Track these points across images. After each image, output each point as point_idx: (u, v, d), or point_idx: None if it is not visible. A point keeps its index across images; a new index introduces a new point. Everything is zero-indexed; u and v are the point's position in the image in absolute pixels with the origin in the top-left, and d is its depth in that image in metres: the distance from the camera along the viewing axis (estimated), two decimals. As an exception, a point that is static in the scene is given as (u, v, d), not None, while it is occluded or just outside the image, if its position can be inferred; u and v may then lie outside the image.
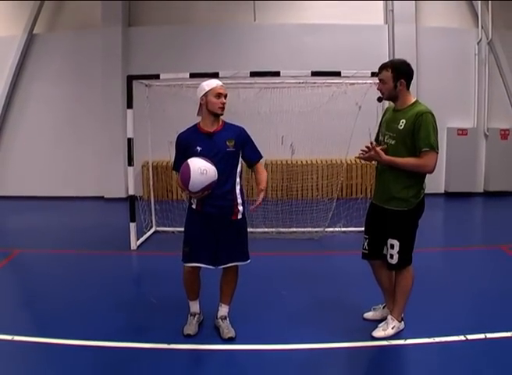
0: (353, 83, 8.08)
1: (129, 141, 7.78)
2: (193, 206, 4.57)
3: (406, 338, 4.60)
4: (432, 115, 4.29)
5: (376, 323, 4.81)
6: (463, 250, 7.63)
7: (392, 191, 4.43)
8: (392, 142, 4.40)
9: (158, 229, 8.70)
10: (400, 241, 4.46)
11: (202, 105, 4.49)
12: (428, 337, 4.61)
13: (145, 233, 8.42)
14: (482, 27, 11.97)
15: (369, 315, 5.04)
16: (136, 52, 12.07)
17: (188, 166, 4.19)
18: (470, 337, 4.58)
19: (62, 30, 12.38)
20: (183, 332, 4.70)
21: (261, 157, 4.71)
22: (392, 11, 11.95)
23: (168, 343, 4.55)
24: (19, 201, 11.86)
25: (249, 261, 4.68)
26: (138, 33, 12.18)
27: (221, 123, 4.56)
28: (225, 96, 4.50)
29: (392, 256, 4.51)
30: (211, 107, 4.44)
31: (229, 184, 4.48)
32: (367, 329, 4.76)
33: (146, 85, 8.33)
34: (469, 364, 4.22)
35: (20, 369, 4.24)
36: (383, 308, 4.98)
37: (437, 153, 4.29)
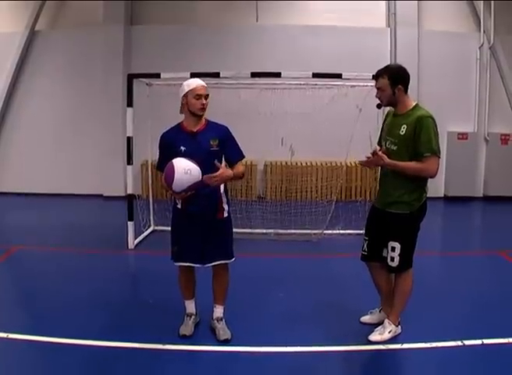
0: (354, 86, 8.06)
1: (129, 139, 7.76)
2: (179, 206, 4.57)
3: (402, 343, 4.59)
4: (433, 119, 4.28)
5: (373, 326, 4.80)
6: (461, 255, 7.61)
7: (394, 195, 4.43)
8: (394, 148, 4.39)
9: (157, 228, 8.67)
10: (402, 244, 4.45)
11: (183, 104, 4.46)
12: (425, 341, 4.59)
13: (143, 232, 8.41)
14: (484, 32, 11.97)
15: (366, 318, 5.02)
16: (138, 51, 12.06)
17: (172, 165, 4.16)
18: (467, 342, 4.56)
19: (64, 27, 12.38)
20: (179, 332, 4.69)
21: (242, 157, 4.64)
22: (395, 14, 11.94)
23: (164, 343, 4.53)
24: (18, 198, 11.85)
25: (234, 259, 4.67)
26: (140, 32, 12.17)
27: (204, 121, 4.53)
28: (206, 97, 4.44)
29: (393, 259, 4.50)
30: (191, 108, 4.41)
31: None
32: (363, 332, 4.74)
33: (146, 84, 8.33)
34: (466, 370, 4.21)
35: (13, 367, 4.22)
36: (380, 311, 4.97)
37: (439, 158, 4.29)
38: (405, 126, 4.29)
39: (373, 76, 7.29)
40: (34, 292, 6.01)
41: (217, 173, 4.21)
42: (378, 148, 4.45)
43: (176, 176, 4.12)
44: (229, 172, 4.36)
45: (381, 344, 4.56)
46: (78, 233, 8.82)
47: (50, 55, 12.27)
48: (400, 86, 4.35)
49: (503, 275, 6.67)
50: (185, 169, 4.13)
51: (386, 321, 4.67)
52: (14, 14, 12.17)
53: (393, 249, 4.47)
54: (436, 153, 4.25)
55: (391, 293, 4.73)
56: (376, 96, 4.53)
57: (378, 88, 4.46)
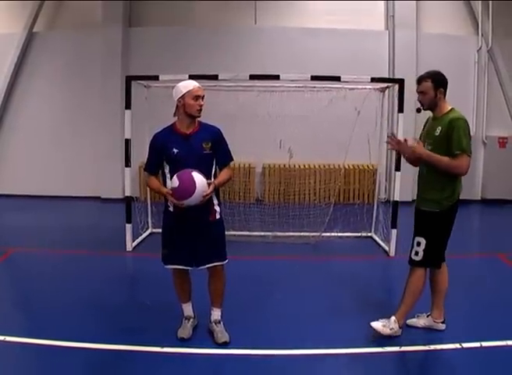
0: (352, 89, 8.08)
1: (127, 141, 7.75)
2: (170, 209, 4.55)
3: (401, 345, 4.57)
4: (465, 121, 4.46)
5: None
6: (459, 258, 7.58)
7: (427, 193, 4.62)
8: (430, 148, 4.56)
9: (154, 230, 8.63)
10: (427, 240, 4.55)
11: (179, 106, 4.44)
12: (424, 344, 4.59)
13: (141, 234, 8.40)
14: (482, 35, 12.00)
15: (413, 321, 4.98)
16: (136, 53, 12.06)
17: (194, 182, 4.17)
18: (465, 345, 4.56)
19: (62, 28, 12.39)
20: (177, 335, 4.67)
21: (231, 160, 4.66)
22: (393, 17, 11.97)
23: (162, 346, 4.52)
24: (16, 200, 11.82)
25: (227, 261, 4.66)
26: (138, 34, 12.17)
27: (197, 123, 4.52)
28: (203, 97, 4.45)
29: (417, 253, 4.60)
30: (188, 109, 4.39)
31: None
32: (361, 335, 4.74)
33: (145, 86, 8.31)
34: (464, 372, 4.22)
35: (10, 371, 4.20)
36: (427, 316, 4.95)
37: (469, 156, 4.44)
38: (440, 127, 4.50)
39: (372, 78, 7.41)
40: (32, 294, 6.01)
41: (207, 192, 4.26)
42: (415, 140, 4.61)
43: (195, 195, 4.18)
44: (216, 182, 4.43)
45: (379, 346, 4.55)
46: (76, 235, 8.80)
47: (48, 56, 12.26)
48: (441, 89, 4.54)
49: (501, 278, 6.67)
50: (203, 190, 4.19)
51: (393, 318, 4.66)
52: (12, 15, 12.16)
53: (419, 244, 4.60)
54: (466, 152, 4.40)
55: (435, 293, 4.82)
56: (418, 100, 4.70)
57: (420, 92, 4.63)
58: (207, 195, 4.26)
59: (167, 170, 4.49)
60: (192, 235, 4.51)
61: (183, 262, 4.58)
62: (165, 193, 4.36)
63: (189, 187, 4.17)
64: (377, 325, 4.63)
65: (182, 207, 4.29)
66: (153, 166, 4.57)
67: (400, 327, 4.67)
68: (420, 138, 4.82)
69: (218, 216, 4.61)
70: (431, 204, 4.56)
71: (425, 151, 4.51)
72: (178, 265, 4.61)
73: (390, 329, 4.62)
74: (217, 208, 4.60)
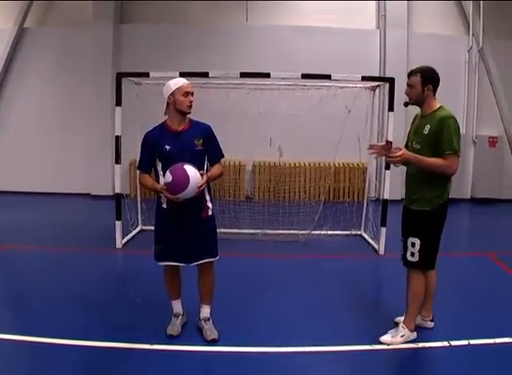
0: (343, 87, 8.10)
1: (117, 138, 7.72)
2: (164, 205, 4.56)
3: (389, 343, 4.58)
4: (455, 120, 4.41)
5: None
6: (449, 256, 7.61)
7: (417, 192, 4.55)
8: (418, 146, 4.51)
9: (144, 228, 8.61)
10: (422, 240, 4.52)
11: (170, 104, 4.47)
12: (412, 342, 4.61)
13: (131, 231, 8.38)
14: (473, 35, 12.05)
15: (401, 319, 4.89)
16: (127, 50, 12.02)
17: (187, 175, 4.18)
18: (453, 343, 4.59)
19: (53, 24, 12.30)
20: (166, 332, 4.67)
21: (222, 156, 4.70)
22: (385, 16, 11.99)
23: (151, 343, 4.51)
24: (5, 196, 11.74)
25: (218, 257, 4.68)
26: (129, 31, 12.12)
27: (188, 121, 4.55)
28: (193, 94, 4.48)
29: (413, 254, 4.55)
30: (179, 106, 4.42)
31: None
32: (351, 333, 4.76)
33: (135, 83, 8.30)
34: (452, 370, 4.23)
35: (1, 368, 4.18)
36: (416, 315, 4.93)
37: (459, 156, 4.39)
38: (429, 125, 4.43)
39: (362, 77, 7.43)
40: (21, 292, 5.98)
41: (203, 182, 4.28)
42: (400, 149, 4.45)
43: (189, 187, 4.18)
44: (209, 175, 4.47)
45: (368, 344, 4.56)
46: (65, 232, 8.76)
47: (39, 52, 12.19)
48: (429, 85, 4.48)
49: (489, 276, 6.71)
50: (197, 182, 4.20)
51: (401, 325, 4.66)
52: (2, 10, 12.07)
53: (413, 245, 4.55)
54: (457, 152, 4.35)
55: (425, 294, 4.76)
56: (406, 93, 4.65)
57: (408, 85, 4.58)
58: (201, 186, 4.27)
59: (159, 168, 4.50)
60: (185, 231, 4.51)
61: (176, 258, 4.59)
62: (160, 189, 4.36)
63: (182, 180, 4.17)
64: (386, 338, 4.62)
65: (177, 201, 4.29)
66: (146, 164, 4.57)
67: (411, 331, 4.65)
68: (408, 136, 4.78)
69: (210, 213, 4.64)
70: (421, 203, 4.52)
71: (414, 155, 4.41)
72: (171, 261, 4.61)
73: (401, 336, 4.60)
74: (209, 204, 4.63)
